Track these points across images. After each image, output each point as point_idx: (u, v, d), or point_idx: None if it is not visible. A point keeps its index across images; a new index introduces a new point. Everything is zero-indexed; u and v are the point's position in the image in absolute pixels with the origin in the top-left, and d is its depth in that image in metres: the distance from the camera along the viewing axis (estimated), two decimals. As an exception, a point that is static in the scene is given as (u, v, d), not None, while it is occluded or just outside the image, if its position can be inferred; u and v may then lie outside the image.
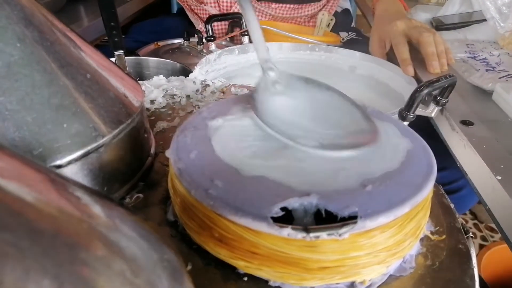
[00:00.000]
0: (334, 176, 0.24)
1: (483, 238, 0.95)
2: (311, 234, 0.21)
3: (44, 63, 0.24)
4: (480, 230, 0.97)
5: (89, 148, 0.24)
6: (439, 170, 0.26)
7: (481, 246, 0.88)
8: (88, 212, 0.17)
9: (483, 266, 0.67)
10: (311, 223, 0.22)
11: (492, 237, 0.95)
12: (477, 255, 0.69)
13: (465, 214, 0.99)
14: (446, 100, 0.48)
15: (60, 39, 0.26)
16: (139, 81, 0.46)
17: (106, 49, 0.60)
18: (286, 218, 0.22)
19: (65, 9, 0.81)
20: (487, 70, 0.57)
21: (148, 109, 0.41)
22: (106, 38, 0.48)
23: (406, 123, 0.43)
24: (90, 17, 0.79)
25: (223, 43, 0.71)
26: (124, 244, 0.17)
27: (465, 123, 0.46)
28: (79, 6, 0.86)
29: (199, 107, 0.42)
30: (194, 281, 0.20)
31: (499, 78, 0.54)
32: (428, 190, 0.24)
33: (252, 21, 0.30)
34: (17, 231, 0.11)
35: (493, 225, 0.97)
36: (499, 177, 0.37)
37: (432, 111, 0.49)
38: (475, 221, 0.99)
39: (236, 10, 0.77)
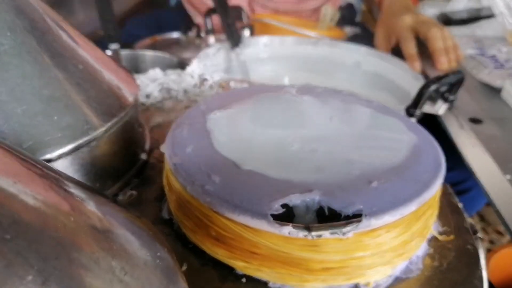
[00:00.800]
0: (338, 171, 0.23)
1: (491, 241, 0.93)
2: (313, 233, 0.19)
3: (35, 53, 0.23)
4: (487, 233, 0.95)
5: (80, 141, 0.23)
6: (446, 170, 0.25)
7: (488, 250, 0.87)
8: (78, 207, 0.16)
9: (491, 269, 0.65)
10: (313, 221, 0.21)
11: (499, 240, 0.93)
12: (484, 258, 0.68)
13: (472, 217, 0.98)
14: (454, 97, 0.46)
15: (52, 29, 0.25)
16: (134, 75, 0.45)
17: (101, 43, 0.59)
18: (287, 215, 0.21)
19: (60, 1, 0.81)
20: (496, 67, 0.56)
21: (143, 104, 0.40)
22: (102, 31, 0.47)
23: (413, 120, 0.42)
24: (85, 10, 0.78)
25: (222, 37, 0.70)
26: (115, 241, 0.16)
27: (474, 121, 0.45)
28: (74, -1, 0.85)
29: (196, 102, 0.41)
30: (190, 282, 0.19)
31: (508, 75, 0.53)
32: (436, 188, 0.23)
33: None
34: (2, 223, 0.11)
35: (501, 228, 0.96)
36: (508, 177, 0.36)
37: (439, 108, 0.47)
38: (483, 224, 0.97)
39: (235, 3, 0.76)
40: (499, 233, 0.95)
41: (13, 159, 0.15)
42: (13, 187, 0.12)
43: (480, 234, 0.28)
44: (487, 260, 0.66)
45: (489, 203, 0.38)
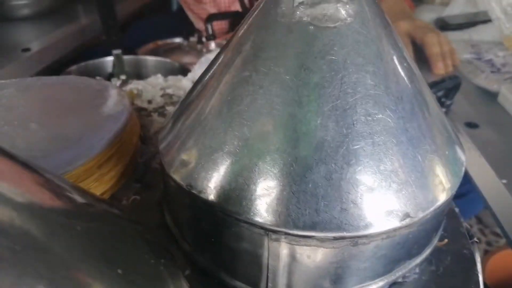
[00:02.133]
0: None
1: (488, 243, 0.93)
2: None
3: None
4: (485, 235, 0.95)
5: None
6: None
7: (486, 252, 0.87)
8: (85, 216, 0.16)
9: (488, 272, 0.65)
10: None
11: (497, 242, 0.93)
12: (481, 261, 0.68)
13: (470, 218, 0.98)
14: (450, 101, 0.47)
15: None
16: (135, 80, 0.46)
17: (104, 48, 0.58)
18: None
19: (63, 7, 0.81)
20: (492, 72, 0.57)
21: (145, 109, 0.41)
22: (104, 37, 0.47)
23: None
24: (88, 15, 0.78)
25: (224, 42, 0.70)
26: (120, 249, 0.17)
27: (470, 125, 0.45)
28: (77, 4, 0.85)
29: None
30: (192, 285, 0.19)
31: (505, 79, 0.54)
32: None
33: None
34: (11, 234, 0.11)
35: (498, 230, 0.96)
36: (505, 181, 0.37)
37: (436, 112, 0.48)
38: (480, 226, 0.97)
39: (235, 9, 0.76)
40: (497, 235, 0.95)
41: (25, 171, 0.14)
42: (21, 197, 0.12)
43: (477, 236, 0.28)
44: (484, 262, 0.66)
45: (486, 207, 0.39)
